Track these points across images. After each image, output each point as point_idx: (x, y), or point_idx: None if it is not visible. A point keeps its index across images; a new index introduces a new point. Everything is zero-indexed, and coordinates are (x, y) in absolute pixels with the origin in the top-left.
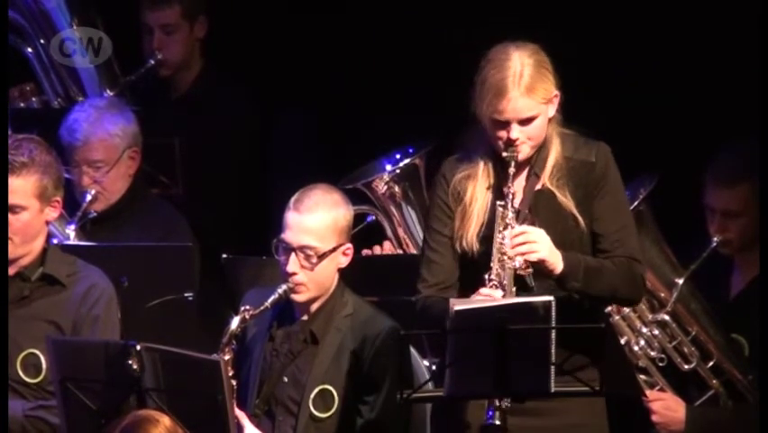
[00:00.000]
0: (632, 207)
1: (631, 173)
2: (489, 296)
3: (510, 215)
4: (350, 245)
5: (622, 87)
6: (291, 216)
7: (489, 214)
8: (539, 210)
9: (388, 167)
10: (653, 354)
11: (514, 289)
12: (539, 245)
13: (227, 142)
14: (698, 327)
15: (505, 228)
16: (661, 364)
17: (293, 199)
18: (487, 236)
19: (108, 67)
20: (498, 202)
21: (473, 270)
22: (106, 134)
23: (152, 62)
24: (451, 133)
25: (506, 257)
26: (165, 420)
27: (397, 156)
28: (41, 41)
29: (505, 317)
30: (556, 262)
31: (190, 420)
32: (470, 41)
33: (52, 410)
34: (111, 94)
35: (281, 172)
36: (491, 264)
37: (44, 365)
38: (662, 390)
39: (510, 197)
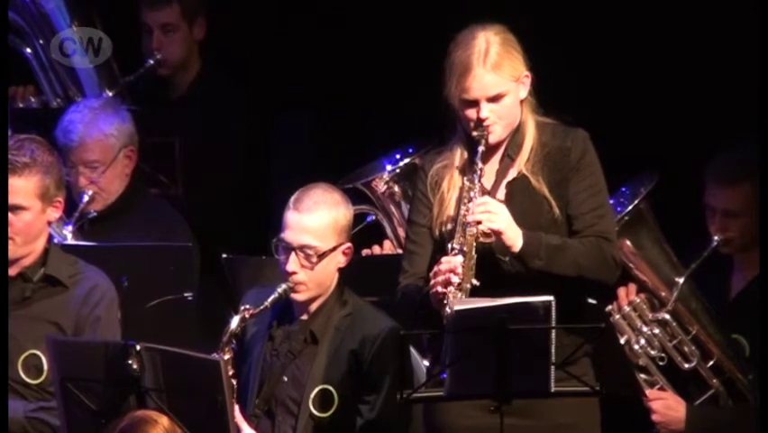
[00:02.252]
0: (632, 206)
1: (631, 172)
2: (449, 262)
3: (476, 189)
4: (350, 245)
5: (622, 86)
6: (291, 216)
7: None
8: (515, 196)
9: (388, 167)
10: (653, 353)
11: (475, 255)
12: (497, 216)
13: (227, 143)
14: (698, 327)
15: (469, 201)
16: (661, 364)
17: (293, 199)
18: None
19: (107, 67)
20: (466, 177)
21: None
22: (101, 135)
23: (151, 62)
24: (450, 133)
25: (468, 226)
26: (163, 421)
27: (397, 156)
28: (40, 42)
29: (505, 317)
30: (514, 238)
31: (190, 420)
32: None
33: (53, 412)
34: (110, 94)
35: (281, 172)
36: (455, 234)
37: (45, 366)
38: (662, 389)
39: (478, 173)
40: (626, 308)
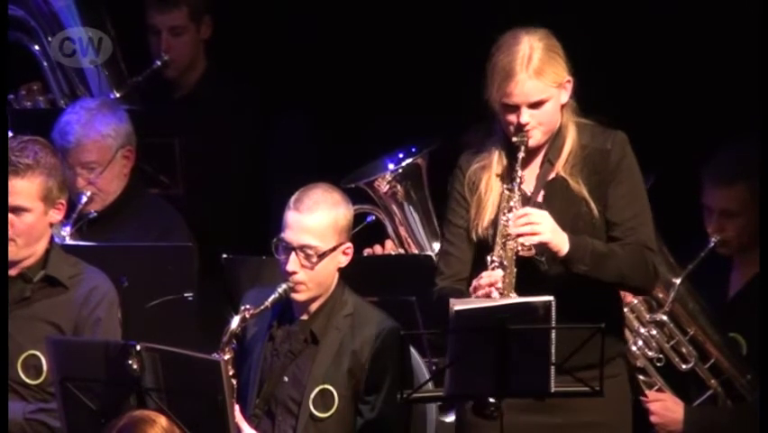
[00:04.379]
0: None
1: None
2: (490, 277)
3: (516, 198)
4: (350, 245)
5: (619, 85)
6: (291, 216)
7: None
8: (552, 198)
9: (391, 166)
10: (651, 354)
11: (515, 269)
12: (541, 227)
13: (229, 142)
14: (696, 327)
15: (509, 211)
16: (659, 365)
17: (293, 199)
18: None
19: (115, 67)
20: (506, 186)
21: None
22: (98, 135)
23: (159, 63)
24: (453, 133)
25: (508, 239)
26: (162, 420)
27: (401, 155)
28: (49, 40)
29: (505, 317)
30: (560, 243)
31: (190, 420)
32: (473, 41)
33: (53, 414)
34: (118, 95)
35: (281, 172)
36: (494, 246)
37: (45, 367)
38: (660, 390)
39: (518, 180)
40: (624, 310)
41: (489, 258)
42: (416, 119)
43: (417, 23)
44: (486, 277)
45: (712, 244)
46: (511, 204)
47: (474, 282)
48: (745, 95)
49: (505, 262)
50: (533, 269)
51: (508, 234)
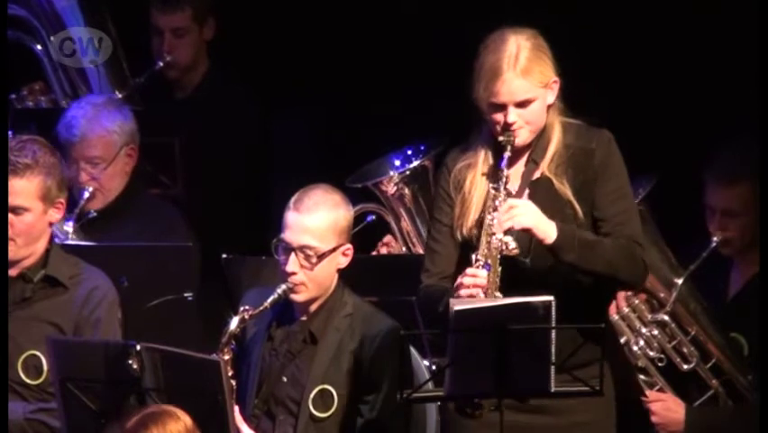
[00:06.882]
0: None
1: (630, 173)
2: (474, 275)
3: (501, 197)
4: (349, 246)
5: (620, 86)
6: (291, 216)
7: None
8: (536, 198)
9: (397, 162)
10: (652, 354)
11: (499, 268)
12: (524, 216)
13: (231, 143)
14: (697, 327)
15: (494, 210)
16: (660, 365)
17: (293, 199)
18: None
19: (118, 68)
20: (492, 185)
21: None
22: (104, 131)
23: (161, 64)
24: (461, 134)
25: (493, 237)
26: (186, 419)
27: (409, 152)
28: (51, 40)
29: (505, 317)
30: (547, 230)
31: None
32: (476, 41)
33: (53, 413)
34: (120, 95)
35: (282, 172)
36: (479, 245)
37: (45, 367)
38: (661, 390)
39: (503, 180)
40: (625, 310)
41: (473, 256)
42: (419, 120)
43: (422, 22)
44: (470, 276)
45: (714, 244)
46: (496, 203)
47: (459, 279)
48: (745, 95)
49: (489, 261)
50: (516, 269)
51: (493, 233)
